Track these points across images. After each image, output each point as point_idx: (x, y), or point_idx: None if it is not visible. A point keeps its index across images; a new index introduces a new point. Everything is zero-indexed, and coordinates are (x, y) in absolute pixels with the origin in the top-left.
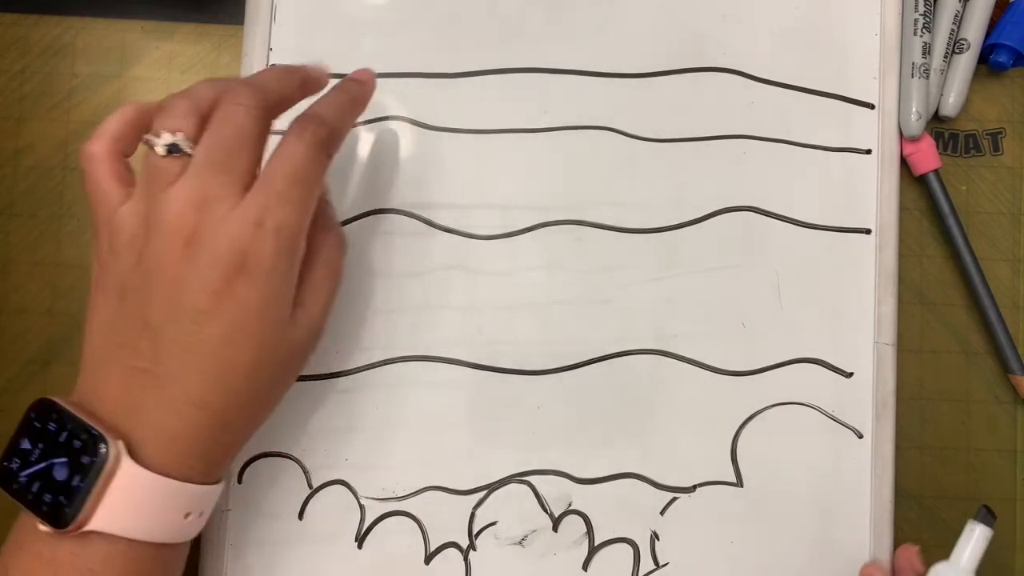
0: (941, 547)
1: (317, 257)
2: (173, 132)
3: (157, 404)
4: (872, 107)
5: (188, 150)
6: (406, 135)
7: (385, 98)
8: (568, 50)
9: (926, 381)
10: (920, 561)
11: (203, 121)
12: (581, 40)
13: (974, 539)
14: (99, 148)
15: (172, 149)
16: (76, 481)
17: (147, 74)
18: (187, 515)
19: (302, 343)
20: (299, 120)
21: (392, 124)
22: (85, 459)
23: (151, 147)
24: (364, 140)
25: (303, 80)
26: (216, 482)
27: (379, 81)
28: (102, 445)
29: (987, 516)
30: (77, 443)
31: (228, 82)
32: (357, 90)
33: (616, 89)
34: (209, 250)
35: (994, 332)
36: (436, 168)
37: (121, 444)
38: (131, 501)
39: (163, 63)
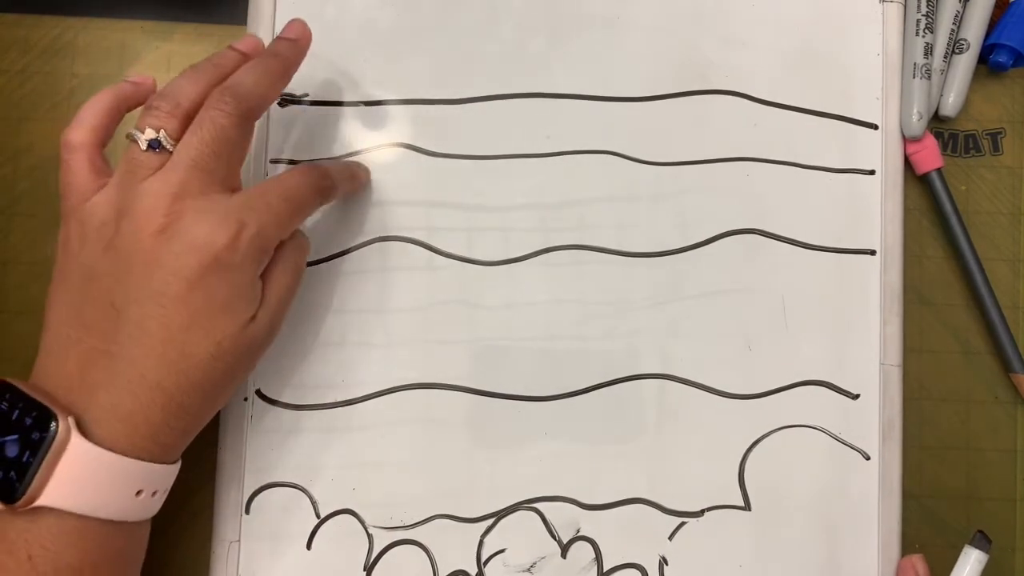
0: (941, 547)
1: (280, 257)
2: (156, 129)
3: (112, 383)
4: (875, 127)
5: (169, 147)
6: (408, 162)
7: (387, 125)
8: (571, 74)
9: (926, 381)
10: (924, 565)
11: (186, 119)
12: (583, 64)
13: (970, 564)
14: (78, 137)
15: (153, 144)
16: (27, 457)
17: (147, 74)
18: (138, 493)
19: (260, 339)
20: (306, 165)
21: (394, 151)
22: (35, 435)
23: (133, 141)
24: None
25: (283, 74)
26: (171, 461)
27: (382, 108)
28: (52, 422)
29: (982, 541)
30: (28, 420)
31: (211, 78)
32: (357, 170)
33: (619, 113)
34: (185, 239)
35: (995, 331)
36: (438, 195)
37: (72, 420)
38: (81, 477)
39: (163, 63)
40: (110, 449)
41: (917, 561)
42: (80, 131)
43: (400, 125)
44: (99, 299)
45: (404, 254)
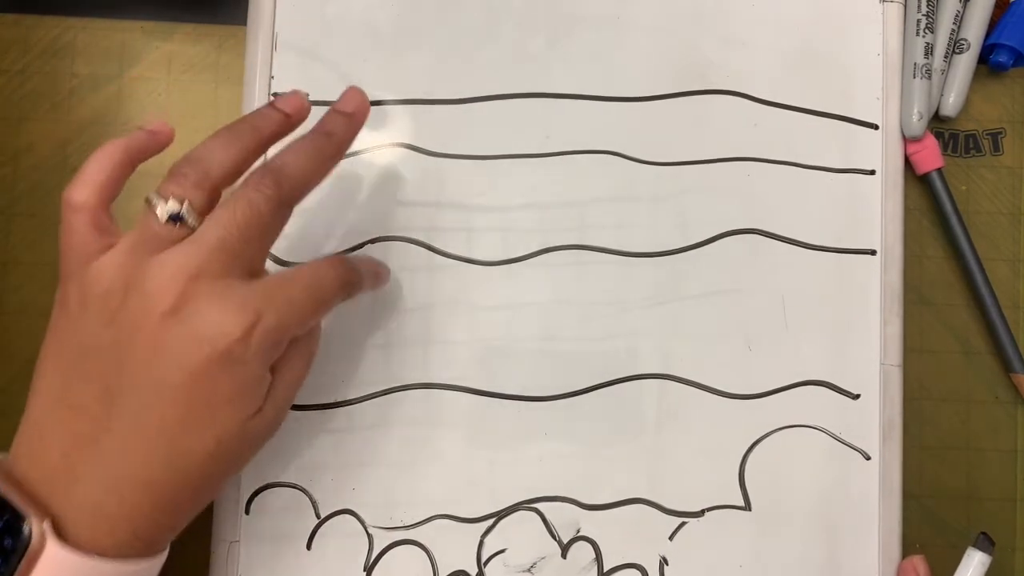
0: (941, 547)
1: (293, 348)
2: (180, 200)
3: (96, 480)
4: (876, 127)
5: (192, 222)
6: (407, 162)
7: (387, 124)
8: (570, 74)
9: (926, 381)
10: (925, 567)
11: (215, 191)
12: (583, 64)
13: (973, 566)
14: (81, 196)
15: (174, 218)
16: None
17: (147, 74)
18: None
19: (263, 434)
20: (335, 258)
21: (394, 151)
22: (7, 542)
23: (151, 208)
24: (365, 167)
25: (334, 157)
26: (155, 555)
27: (381, 108)
28: (25, 526)
29: (985, 543)
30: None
31: (247, 144)
32: (380, 269)
33: (619, 113)
34: (194, 326)
35: (995, 331)
36: (438, 194)
37: (47, 524)
38: None
39: (163, 63)
40: (90, 552)
41: (918, 563)
42: (84, 190)
43: (400, 125)
44: (94, 378)
45: (404, 254)
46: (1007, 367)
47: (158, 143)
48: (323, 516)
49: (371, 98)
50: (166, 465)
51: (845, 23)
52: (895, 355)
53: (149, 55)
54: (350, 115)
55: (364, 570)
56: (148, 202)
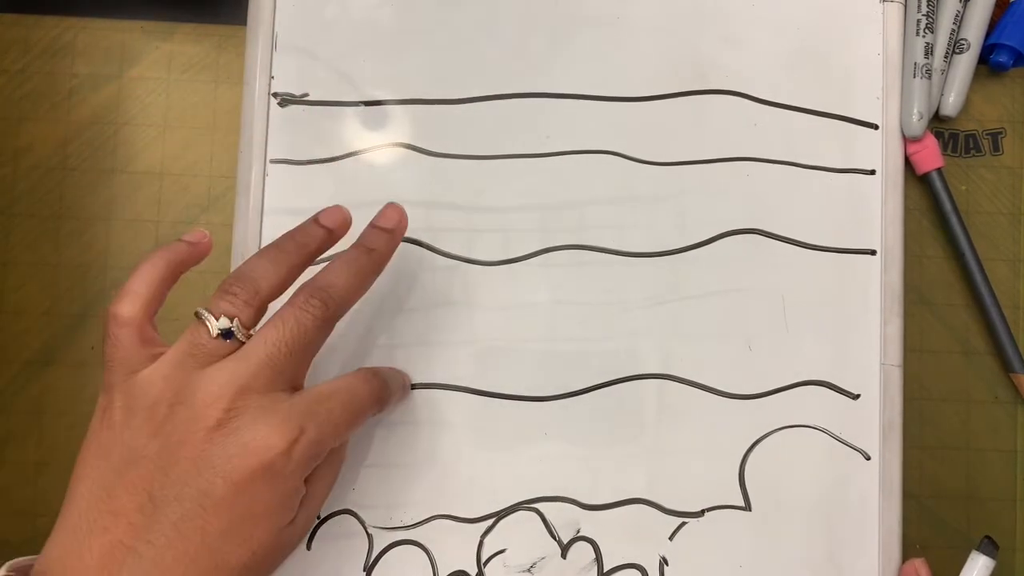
0: (941, 548)
1: (326, 459)
2: (231, 317)
3: None
4: (876, 127)
5: (241, 337)
6: (408, 162)
7: (387, 125)
8: (571, 74)
9: (926, 381)
10: (927, 570)
11: (263, 307)
12: (583, 64)
13: (977, 570)
14: (127, 311)
15: (225, 335)
16: None
17: (147, 74)
18: None
19: (294, 544)
20: (369, 371)
21: (394, 151)
22: None
23: (201, 323)
24: (365, 167)
25: (374, 272)
26: None
27: (381, 108)
28: None
29: (989, 547)
30: None
31: (294, 261)
32: (404, 378)
33: (619, 113)
34: (240, 440)
35: (995, 331)
36: (438, 195)
37: None
38: None
39: (163, 63)
40: None
41: (920, 566)
42: (130, 305)
43: (400, 125)
44: (136, 487)
45: (404, 254)
46: (1007, 367)
47: (199, 253)
48: (323, 516)
49: (371, 98)
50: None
51: (845, 23)
52: (895, 355)
53: (149, 55)
54: (391, 231)
55: (364, 570)
56: (198, 316)
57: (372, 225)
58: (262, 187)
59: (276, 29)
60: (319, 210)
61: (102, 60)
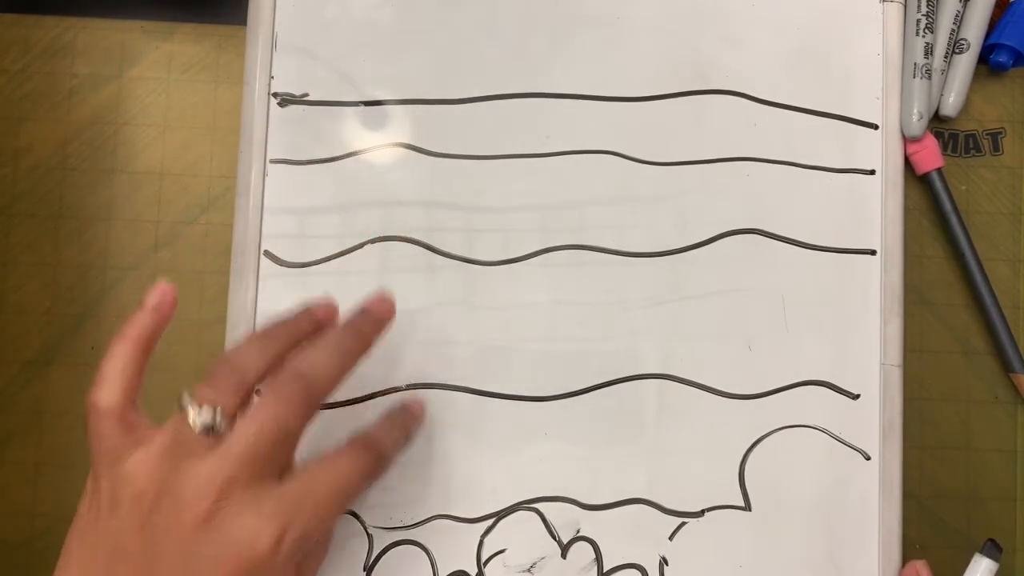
0: (941, 548)
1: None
2: (213, 407)
3: None
4: (876, 127)
5: (223, 429)
6: (408, 162)
7: (387, 125)
8: (571, 74)
9: (926, 381)
10: (928, 572)
11: (246, 396)
12: (583, 64)
13: (980, 572)
14: (107, 402)
15: (207, 429)
16: None
17: (147, 74)
18: None
19: None
20: (358, 445)
21: (394, 151)
22: None
23: (184, 413)
24: (365, 167)
25: (359, 355)
26: None
27: (381, 108)
28: None
29: (993, 550)
30: None
31: (282, 349)
32: (410, 423)
33: (619, 113)
34: (226, 535)
35: (995, 331)
36: (438, 195)
37: None
38: None
39: (163, 63)
40: None
41: (921, 567)
42: (108, 394)
43: (400, 125)
44: None
45: (404, 254)
46: (1007, 367)
47: (164, 316)
48: None
49: (371, 98)
50: None
51: (845, 23)
52: (895, 355)
53: (149, 55)
54: (378, 318)
55: (364, 570)
56: (181, 406)
57: (361, 309)
58: (262, 187)
59: (276, 29)
60: (311, 301)
61: (102, 60)
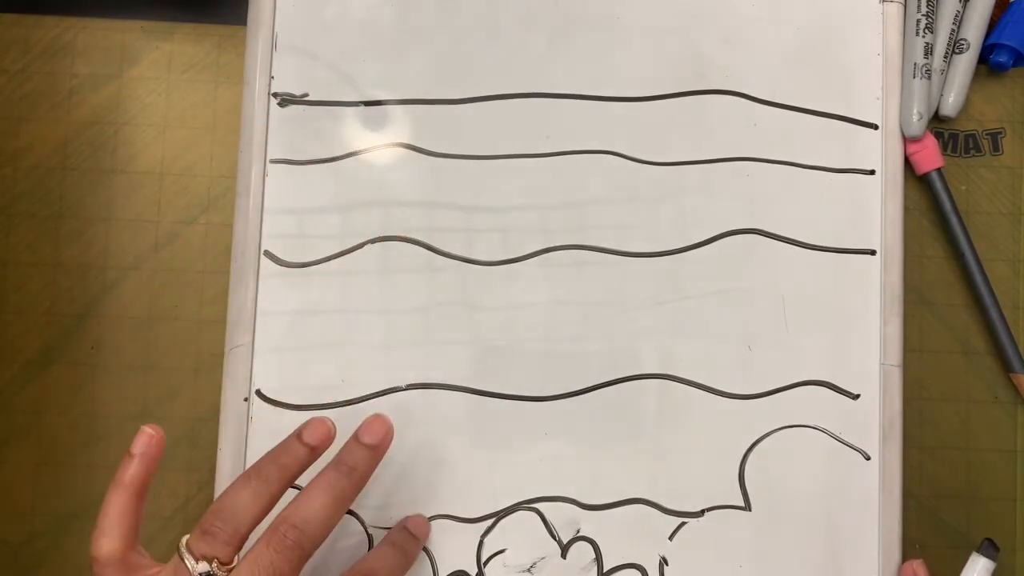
0: (941, 548)
1: None
2: (210, 560)
3: None
4: (875, 127)
5: None
6: (408, 162)
7: (387, 125)
8: (571, 74)
9: (926, 381)
10: (925, 571)
11: (242, 542)
12: (583, 64)
13: (977, 571)
14: (106, 552)
15: None
16: None
17: (147, 74)
18: None
19: None
20: None
21: (394, 151)
22: None
23: (183, 564)
24: (365, 167)
25: (355, 493)
26: None
27: (381, 108)
28: None
29: (990, 549)
30: None
31: (274, 491)
32: (412, 549)
33: (618, 113)
34: None
35: (995, 331)
36: (438, 195)
37: None
38: None
39: (163, 63)
40: None
41: (918, 567)
42: (108, 543)
43: (400, 125)
44: None
45: (404, 254)
46: (1007, 367)
47: (152, 460)
48: None
49: (371, 98)
50: None
51: (845, 23)
52: (895, 355)
53: (149, 55)
54: (373, 448)
55: None
56: (180, 555)
57: (355, 438)
58: (262, 187)
59: (276, 29)
60: (302, 426)
61: (102, 60)
